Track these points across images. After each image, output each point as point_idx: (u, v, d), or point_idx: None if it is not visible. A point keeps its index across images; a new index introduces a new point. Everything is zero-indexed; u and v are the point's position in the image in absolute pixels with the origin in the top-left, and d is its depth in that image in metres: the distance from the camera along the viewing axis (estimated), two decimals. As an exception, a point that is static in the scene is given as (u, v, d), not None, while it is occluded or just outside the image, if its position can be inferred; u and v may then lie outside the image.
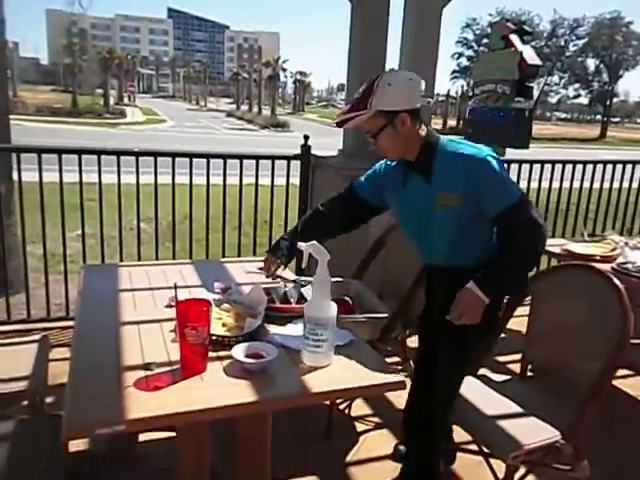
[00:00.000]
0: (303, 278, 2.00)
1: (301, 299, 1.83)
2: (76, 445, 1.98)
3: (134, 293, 1.91)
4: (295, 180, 3.56)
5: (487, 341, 1.91)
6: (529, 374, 2.26)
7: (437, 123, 35.28)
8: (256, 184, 3.44)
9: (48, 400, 1.95)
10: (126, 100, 48.29)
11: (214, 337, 1.51)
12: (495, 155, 1.67)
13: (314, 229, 1.90)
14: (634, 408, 2.84)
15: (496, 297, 1.68)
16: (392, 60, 3.54)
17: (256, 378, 1.37)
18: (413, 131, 1.68)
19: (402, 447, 2.23)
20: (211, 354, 1.44)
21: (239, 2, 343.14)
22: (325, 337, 1.44)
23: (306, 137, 3.45)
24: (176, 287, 1.49)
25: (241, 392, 1.32)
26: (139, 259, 3.40)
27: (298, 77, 59.57)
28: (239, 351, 1.45)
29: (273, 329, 1.66)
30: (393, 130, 1.65)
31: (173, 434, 2.16)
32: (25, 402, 1.84)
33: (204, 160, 3.32)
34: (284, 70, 59.30)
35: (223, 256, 3.47)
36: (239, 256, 3.53)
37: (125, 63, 52.37)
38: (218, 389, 1.34)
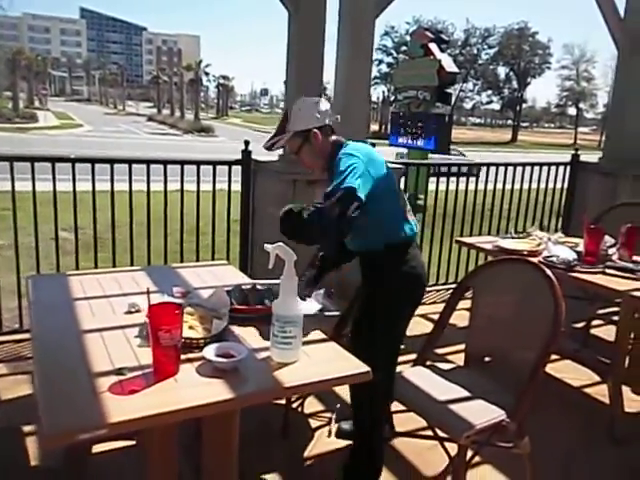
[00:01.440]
0: (259, 281, 2.05)
1: (259, 302, 1.88)
2: (28, 459, 1.92)
3: (89, 301, 1.88)
4: (225, 186, 3.55)
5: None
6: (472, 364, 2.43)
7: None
8: (197, 190, 3.44)
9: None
10: (37, 104, 45.84)
11: (183, 339, 1.54)
12: (353, 151, 1.92)
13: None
14: (560, 388, 3.09)
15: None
16: (329, 67, 3.65)
17: (229, 377, 1.41)
18: (325, 144, 2.01)
19: (345, 425, 2.44)
20: (182, 357, 1.47)
21: (158, 6, 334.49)
22: (293, 334, 1.49)
23: (246, 142, 3.49)
24: (149, 291, 1.51)
25: (216, 391, 1.35)
26: (58, 270, 3.29)
27: (221, 81, 58.95)
28: (210, 351, 1.48)
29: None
30: (309, 146, 2.00)
31: (128, 443, 2.15)
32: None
33: (138, 166, 3.26)
34: (206, 74, 58.61)
35: (149, 264, 3.42)
36: (165, 263, 3.50)
37: (35, 64, 49.74)
38: (193, 389, 1.36)
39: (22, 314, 3.24)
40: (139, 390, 1.32)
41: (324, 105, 2.03)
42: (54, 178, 3.08)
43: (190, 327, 1.63)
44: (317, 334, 1.72)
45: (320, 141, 1.99)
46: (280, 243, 1.58)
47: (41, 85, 50.75)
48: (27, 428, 2.09)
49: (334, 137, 2.05)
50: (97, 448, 2.19)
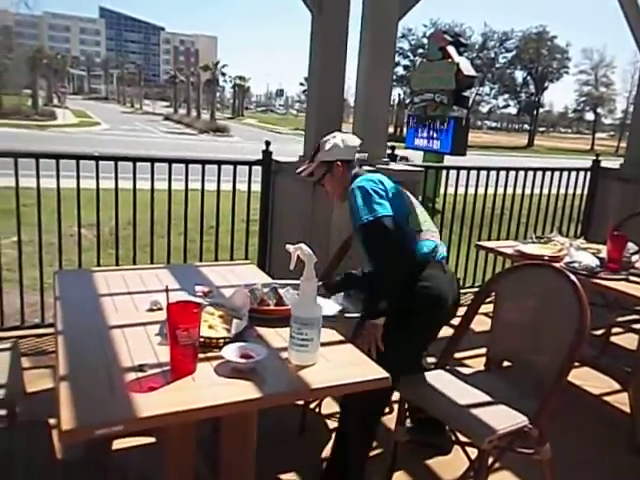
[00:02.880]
0: (279, 282, 2.05)
1: (279, 302, 1.88)
2: (51, 452, 1.94)
3: (113, 298, 1.89)
4: (243, 186, 3.56)
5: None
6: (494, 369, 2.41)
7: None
8: (218, 189, 3.45)
9: (24, 408, 1.90)
10: (56, 101, 46.38)
11: (202, 339, 1.54)
12: (364, 183, 2.11)
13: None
14: (579, 396, 3.06)
15: (379, 316, 2.00)
16: (351, 68, 3.64)
17: (246, 377, 1.40)
18: (346, 175, 2.22)
19: None
20: (200, 356, 1.47)
21: (176, 6, 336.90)
22: (311, 337, 1.49)
23: (267, 143, 3.50)
24: (167, 289, 1.51)
25: (234, 391, 1.35)
26: (80, 266, 3.32)
27: (237, 82, 59.23)
28: (229, 352, 1.48)
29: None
30: (331, 176, 2.24)
31: (149, 440, 2.17)
32: (2, 411, 1.78)
33: (153, 164, 3.28)
34: (223, 74, 58.86)
35: (168, 262, 3.44)
36: (185, 261, 3.52)
37: (54, 63, 50.36)
38: (210, 389, 1.36)
39: (43, 309, 3.28)
40: (157, 388, 1.32)
41: (353, 141, 2.27)
42: (78, 176, 3.11)
43: (210, 326, 1.64)
44: (336, 337, 1.71)
45: (341, 172, 2.22)
46: (301, 244, 1.57)
47: (60, 83, 51.36)
48: (51, 421, 2.13)
49: (354, 170, 2.26)
50: (118, 444, 2.21)
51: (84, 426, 1.18)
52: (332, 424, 2.55)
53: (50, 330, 3.10)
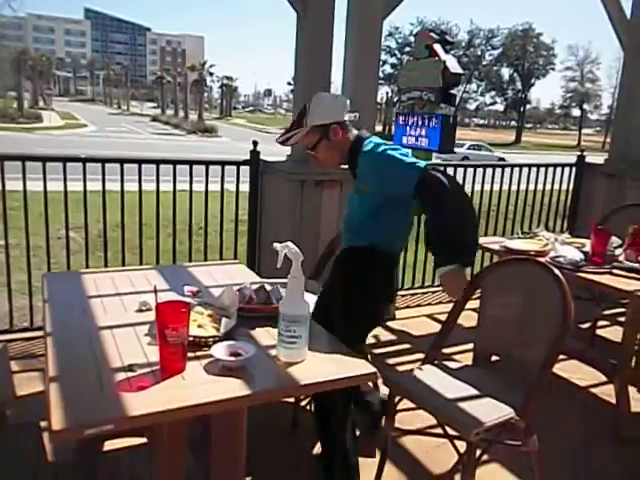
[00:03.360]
0: (267, 281, 2.07)
1: (267, 301, 1.90)
2: (42, 455, 1.94)
3: (102, 299, 1.89)
4: (232, 186, 3.57)
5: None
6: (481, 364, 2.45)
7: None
8: (206, 190, 3.46)
9: (13, 411, 1.90)
10: (41, 104, 45.97)
11: (191, 338, 1.55)
12: (393, 151, 1.91)
13: None
14: (566, 388, 3.10)
15: (469, 260, 1.96)
16: (336, 68, 3.66)
17: (236, 375, 1.42)
18: (344, 139, 1.98)
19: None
20: (190, 354, 1.48)
21: (163, 7, 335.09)
22: (299, 334, 1.50)
23: (255, 142, 3.51)
24: (156, 290, 1.52)
25: (224, 388, 1.36)
26: (68, 269, 3.31)
27: (225, 82, 59.07)
28: (218, 350, 1.50)
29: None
30: (327, 141, 1.96)
31: (140, 441, 2.18)
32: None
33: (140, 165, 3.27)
34: (210, 74, 58.68)
35: (157, 263, 3.44)
36: (174, 262, 3.53)
37: (39, 65, 49.91)
38: (200, 387, 1.37)
39: (32, 313, 3.27)
40: (147, 387, 1.33)
41: (343, 101, 2.03)
42: (65, 178, 3.10)
43: (199, 326, 1.65)
44: (324, 333, 1.73)
45: (340, 137, 1.96)
46: (288, 243, 1.59)
47: (46, 85, 50.89)
48: (42, 424, 2.12)
49: (355, 132, 2.02)
50: (109, 445, 2.21)
51: (74, 426, 1.18)
52: (323, 421, 2.57)
53: (39, 333, 3.09)
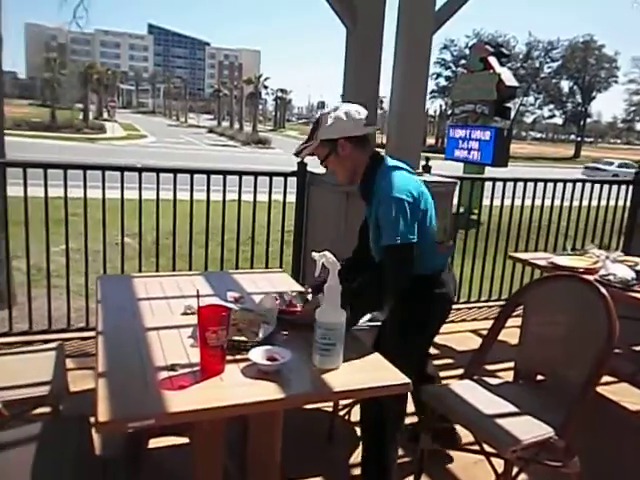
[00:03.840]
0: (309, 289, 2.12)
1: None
2: (92, 448, 2.03)
3: (151, 302, 2.00)
4: (280, 197, 3.65)
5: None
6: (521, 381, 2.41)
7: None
8: (254, 200, 3.56)
9: (67, 405, 2.01)
10: (105, 115, 48.08)
11: (231, 342, 1.62)
12: (404, 196, 1.86)
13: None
14: (616, 412, 2.99)
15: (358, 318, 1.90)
16: (385, 82, 3.70)
17: (272, 379, 1.47)
18: (355, 156, 1.94)
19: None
20: (229, 357, 1.53)
21: (220, 21, 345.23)
22: (334, 341, 1.53)
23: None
24: (198, 294, 1.60)
25: (259, 391, 1.42)
26: (122, 273, 3.46)
27: (279, 94, 60.09)
28: (256, 354, 1.55)
29: None
30: (336, 155, 1.93)
31: (183, 440, 2.26)
32: (47, 407, 1.90)
33: (192, 175, 3.41)
34: (265, 87, 59.83)
35: (205, 270, 3.55)
36: (221, 270, 3.63)
37: (105, 78, 52.23)
38: (237, 388, 1.43)
39: (88, 314, 3.44)
40: (187, 386, 1.40)
41: (359, 113, 1.93)
42: (122, 186, 3.25)
43: (239, 330, 1.71)
44: (359, 342, 1.75)
45: (348, 152, 1.92)
46: (326, 252, 1.63)
47: (110, 98, 53.23)
48: (92, 419, 2.23)
49: (371, 150, 1.99)
50: (154, 443, 2.31)
51: (119, 419, 1.27)
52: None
53: (93, 333, 3.24)
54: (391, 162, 2.00)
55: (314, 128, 1.94)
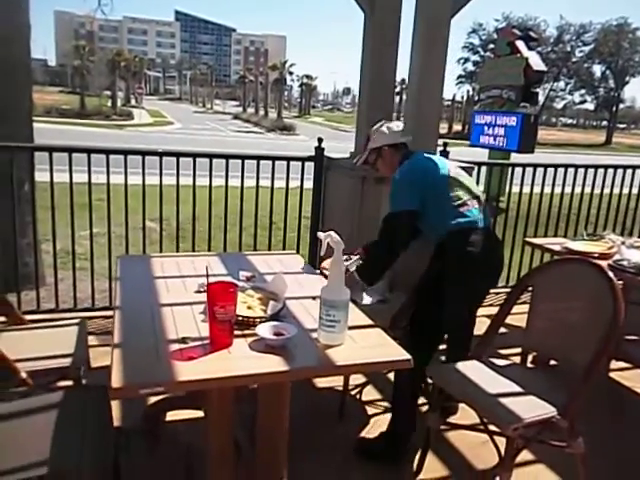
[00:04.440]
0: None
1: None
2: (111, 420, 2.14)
3: (166, 280, 2.08)
4: (296, 182, 3.71)
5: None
6: (529, 365, 2.44)
7: (443, 127, 35.36)
8: (272, 185, 3.62)
9: (89, 379, 2.11)
10: (133, 102, 48.62)
11: (240, 318, 1.68)
12: (401, 175, 2.39)
13: None
14: (628, 397, 2.99)
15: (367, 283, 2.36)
16: (403, 66, 3.70)
17: (278, 353, 1.53)
18: (395, 158, 2.53)
19: None
20: (237, 332, 1.60)
21: (247, 7, 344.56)
22: (338, 318, 1.58)
23: (320, 140, 3.63)
24: (207, 272, 1.66)
25: (264, 363, 1.48)
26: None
27: (304, 81, 59.87)
28: (263, 329, 1.61)
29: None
30: (382, 160, 2.58)
31: (198, 414, 2.35)
32: (70, 380, 2.01)
33: (218, 160, 3.48)
34: (290, 73, 59.70)
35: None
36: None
37: (132, 65, 52.78)
38: (244, 360, 1.50)
39: (111, 295, 3.57)
40: (196, 357, 1.48)
41: (397, 127, 2.57)
42: (143, 170, 3.35)
43: (249, 307, 1.78)
44: (364, 319, 1.81)
45: (389, 156, 2.54)
46: (331, 232, 1.68)
47: (137, 85, 53.78)
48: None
49: (405, 152, 2.52)
50: (170, 416, 2.41)
51: (131, 385, 1.35)
52: (371, 410, 2.65)
53: (116, 312, 3.37)
54: (414, 156, 2.48)
55: (366, 141, 2.63)
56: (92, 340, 2.90)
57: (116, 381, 1.33)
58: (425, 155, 2.49)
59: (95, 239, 3.50)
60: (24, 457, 1.54)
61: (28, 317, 2.76)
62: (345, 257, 2.21)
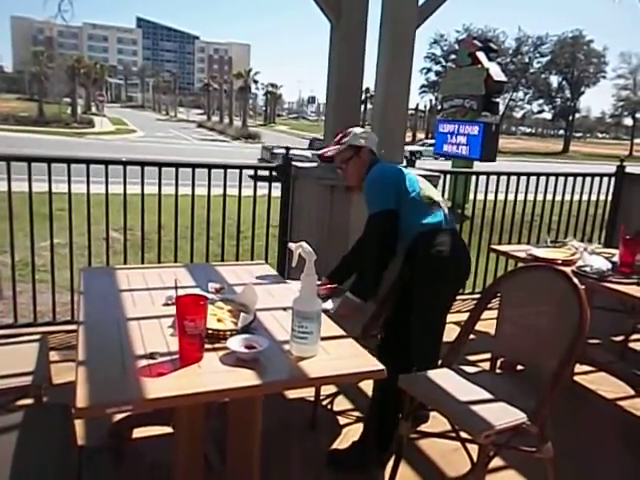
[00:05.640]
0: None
1: None
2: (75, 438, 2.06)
3: (133, 293, 2.02)
4: (265, 190, 3.68)
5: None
6: (497, 371, 2.47)
7: (408, 136, 35.93)
8: (239, 194, 3.58)
9: (51, 397, 2.04)
10: (94, 109, 47.72)
11: (210, 331, 1.64)
12: (373, 179, 2.40)
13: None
14: (593, 400, 3.06)
15: (359, 291, 2.33)
16: (369, 77, 3.73)
17: (249, 366, 1.49)
18: (367, 162, 2.47)
19: None
20: (207, 346, 1.56)
21: (211, 15, 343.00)
22: (310, 330, 1.56)
23: (287, 149, 3.62)
24: (176, 284, 1.62)
25: (236, 377, 1.45)
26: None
27: (269, 89, 59.91)
28: (234, 343, 1.58)
29: None
30: (357, 159, 2.48)
31: (166, 430, 2.29)
32: (30, 398, 1.92)
33: (184, 169, 3.42)
34: (255, 82, 59.60)
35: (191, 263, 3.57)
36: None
37: (93, 72, 51.81)
38: (215, 375, 1.46)
39: (73, 308, 3.46)
40: (166, 373, 1.43)
41: (375, 138, 2.58)
42: (107, 180, 3.25)
43: (219, 320, 1.74)
44: (336, 330, 1.79)
45: (365, 159, 2.48)
46: (302, 243, 1.66)
47: (98, 92, 52.71)
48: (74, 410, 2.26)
49: (373, 159, 2.51)
50: (137, 432, 2.34)
51: (97, 404, 1.29)
52: (343, 420, 2.63)
53: (78, 327, 3.27)
54: (378, 165, 2.48)
55: (342, 136, 2.50)
56: (54, 355, 2.80)
57: (81, 400, 1.28)
58: (387, 164, 2.55)
59: (56, 250, 3.39)
60: (-18, 482, 1.46)
61: (-15, 333, 2.67)
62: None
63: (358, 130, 2.53)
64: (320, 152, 2.60)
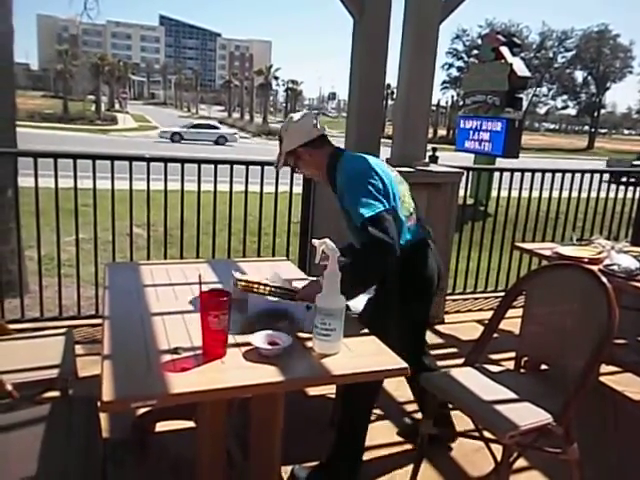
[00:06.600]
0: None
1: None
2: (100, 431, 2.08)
3: (156, 288, 2.04)
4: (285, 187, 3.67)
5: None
6: (521, 370, 2.43)
7: (429, 132, 35.57)
8: (261, 190, 3.58)
9: (76, 390, 2.06)
10: (117, 106, 48.30)
11: (244, 283, 1.80)
12: (359, 175, 1.96)
13: None
14: (619, 402, 3.00)
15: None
16: (392, 72, 3.70)
17: (272, 363, 1.50)
18: (316, 159, 2.11)
19: (407, 420, 2.60)
20: (230, 341, 1.56)
21: (232, 12, 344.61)
22: (334, 327, 1.56)
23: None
24: (200, 280, 1.62)
25: (259, 374, 1.45)
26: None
27: (290, 85, 59.96)
28: (257, 339, 1.58)
29: None
30: (302, 161, 2.13)
31: (189, 424, 2.30)
32: (56, 390, 1.95)
33: (206, 166, 3.44)
34: (276, 78, 59.75)
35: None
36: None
37: (116, 69, 52.47)
38: (238, 371, 1.46)
39: (97, 302, 3.50)
40: (189, 369, 1.44)
41: (308, 122, 2.11)
42: (130, 176, 3.29)
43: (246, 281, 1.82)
44: (360, 328, 1.78)
45: (307, 156, 2.11)
46: (326, 239, 1.65)
47: (121, 89, 53.43)
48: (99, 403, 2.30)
49: (328, 148, 2.12)
50: (160, 426, 2.36)
51: (122, 398, 1.30)
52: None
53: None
54: (349, 154, 2.12)
55: (280, 143, 2.16)
56: (79, 349, 2.83)
57: (107, 394, 1.29)
58: (364, 156, 2.11)
59: (81, 245, 3.44)
60: (9, 473, 1.49)
61: (12, 326, 2.71)
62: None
63: (287, 129, 2.12)
64: (274, 166, 2.28)
